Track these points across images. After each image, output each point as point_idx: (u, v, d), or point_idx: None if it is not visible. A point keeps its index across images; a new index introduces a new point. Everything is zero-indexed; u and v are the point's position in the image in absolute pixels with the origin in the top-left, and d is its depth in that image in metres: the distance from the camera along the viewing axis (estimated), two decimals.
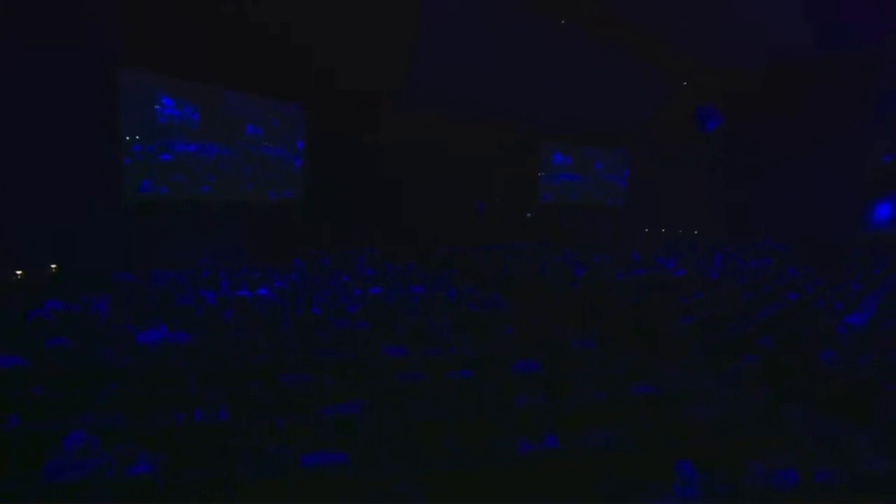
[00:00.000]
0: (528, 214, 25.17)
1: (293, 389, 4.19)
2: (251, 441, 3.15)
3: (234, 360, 5.09)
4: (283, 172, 14.77)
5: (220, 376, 4.49)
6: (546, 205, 24.41)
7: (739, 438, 3.53)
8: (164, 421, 3.65)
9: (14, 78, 9.35)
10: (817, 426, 4.97)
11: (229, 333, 5.92)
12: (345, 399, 3.93)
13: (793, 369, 6.33)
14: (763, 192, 23.30)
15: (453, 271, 13.85)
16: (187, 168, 12.27)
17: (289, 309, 7.27)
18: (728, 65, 20.93)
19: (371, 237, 16.00)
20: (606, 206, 26.38)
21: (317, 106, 14.60)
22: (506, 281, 11.76)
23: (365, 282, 10.04)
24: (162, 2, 11.04)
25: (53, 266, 10.09)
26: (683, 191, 25.99)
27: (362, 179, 16.41)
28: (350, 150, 15.82)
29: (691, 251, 18.23)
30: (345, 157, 15.88)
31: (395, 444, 3.34)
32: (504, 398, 4.18)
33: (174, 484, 2.83)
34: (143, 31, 10.84)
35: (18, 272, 9.65)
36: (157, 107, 11.60)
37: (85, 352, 5.22)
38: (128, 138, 11.20)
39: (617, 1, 14.06)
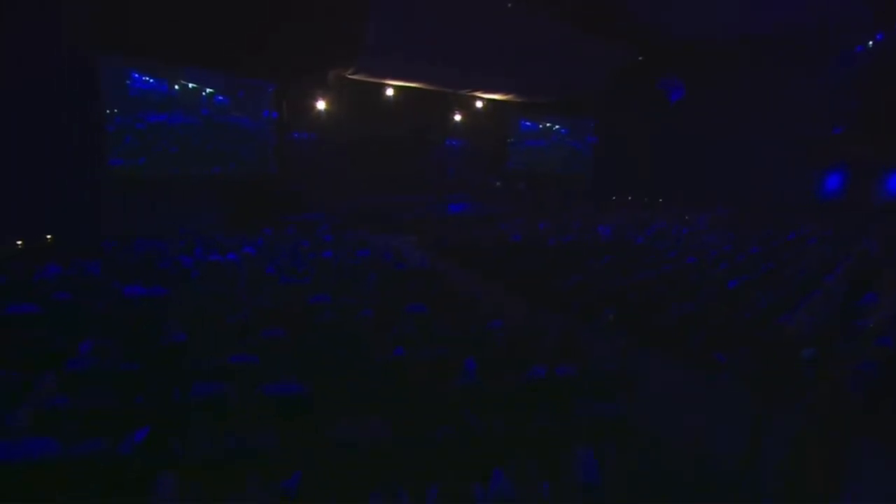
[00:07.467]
0: (497, 183, 26.67)
1: (237, 324, 5.91)
2: (198, 351, 4.90)
3: (198, 307, 6.76)
4: (255, 144, 16.09)
5: (185, 317, 6.17)
6: (513, 172, 25.79)
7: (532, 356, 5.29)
8: (143, 343, 5.35)
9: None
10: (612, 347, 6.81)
11: (197, 288, 7.61)
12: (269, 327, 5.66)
13: (645, 318, 8.18)
14: (719, 161, 24.81)
15: (412, 236, 15.58)
16: (163, 142, 13.62)
17: (248, 269, 8.94)
18: (685, 37, 22.20)
19: (338, 206, 17.54)
20: (573, 173, 27.74)
21: (286, 78, 15.84)
22: (445, 245, 13.44)
23: (321, 247, 11.68)
24: None
25: (49, 237, 11.61)
26: (650, 160, 27.38)
27: (332, 150, 17.85)
28: (320, 120, 17.21)
29: (635, 219, 19.91)
30: (317, 128, 17.27)
31: (299, 354, 5.08)
32: (386, 329, 5.93)
33: (149, 375, 4.56)
34: (114, 15, 11.98)
35: (18, 242, 11.16)
36: (128, 85, 12.85)
37: (83, 303, 6.84)
38: (108, 112, 12.55)
39: None
